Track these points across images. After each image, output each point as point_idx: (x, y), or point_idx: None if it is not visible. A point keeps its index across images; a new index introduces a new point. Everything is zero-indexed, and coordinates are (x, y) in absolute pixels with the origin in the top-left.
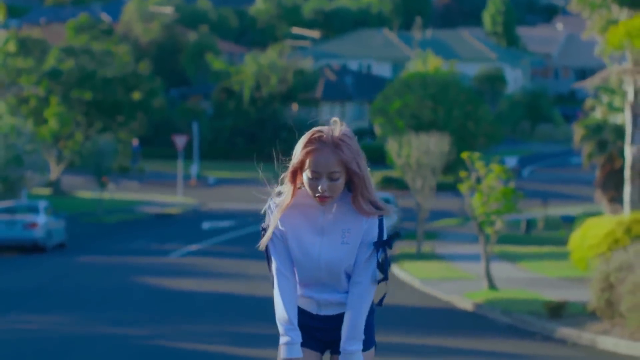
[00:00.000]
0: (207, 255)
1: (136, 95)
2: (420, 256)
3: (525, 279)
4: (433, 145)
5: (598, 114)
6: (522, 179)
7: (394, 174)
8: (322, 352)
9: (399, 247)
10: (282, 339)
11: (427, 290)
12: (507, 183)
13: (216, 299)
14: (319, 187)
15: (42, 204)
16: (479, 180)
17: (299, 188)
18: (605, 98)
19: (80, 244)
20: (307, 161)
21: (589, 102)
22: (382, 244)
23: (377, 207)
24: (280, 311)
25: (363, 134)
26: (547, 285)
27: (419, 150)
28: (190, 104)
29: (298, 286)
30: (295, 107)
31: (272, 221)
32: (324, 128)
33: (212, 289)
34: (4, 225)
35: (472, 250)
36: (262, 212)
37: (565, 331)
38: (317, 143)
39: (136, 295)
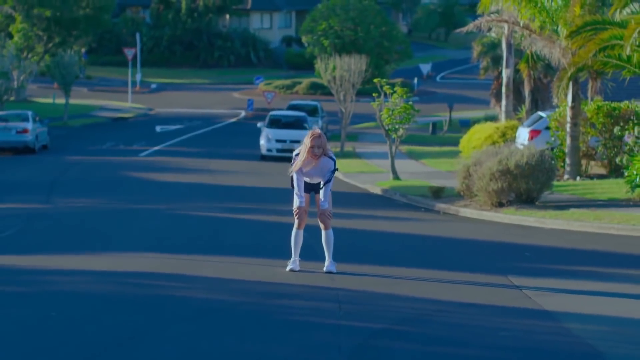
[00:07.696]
0: (170, 154)
1: (88, 11)
2: (343, 154)
3: (423, 172)
4: (353, 65)
5: (493, 34)
6: (436, 84)
7: (321, 80)
8: (309, 193)
9: None
10: (298, 199)
11: (349, 180)
12: (407, 100)
13: (194, 187)
14: (314, 151)
15: (30, 113)
16: (386, 98)
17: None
18: None
19: (59, 146)
20: (310, 142)
21: (485, 23)
22: (333, 171)
23: (329, 155)
24: (297, 189)
25: (291, 41)
26: (438, 176)
27: (341, 69)
28: (130, 14)
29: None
30: (227, 17)
31: (297, 163)
32: (315, 130)
33: (186, 180)
34: (0, 131)
35: (384, 150)
36: (292, 161)
37: (440, 205)
38: (315, 135)
39: (132, 185)
